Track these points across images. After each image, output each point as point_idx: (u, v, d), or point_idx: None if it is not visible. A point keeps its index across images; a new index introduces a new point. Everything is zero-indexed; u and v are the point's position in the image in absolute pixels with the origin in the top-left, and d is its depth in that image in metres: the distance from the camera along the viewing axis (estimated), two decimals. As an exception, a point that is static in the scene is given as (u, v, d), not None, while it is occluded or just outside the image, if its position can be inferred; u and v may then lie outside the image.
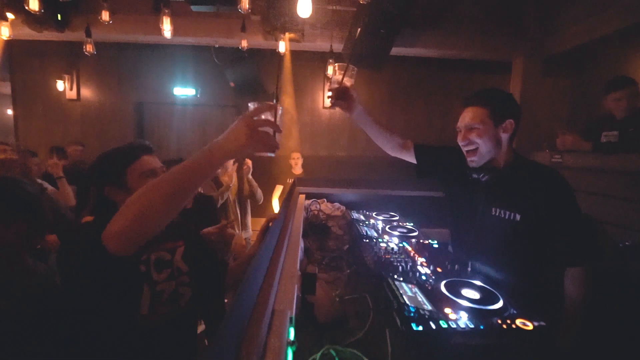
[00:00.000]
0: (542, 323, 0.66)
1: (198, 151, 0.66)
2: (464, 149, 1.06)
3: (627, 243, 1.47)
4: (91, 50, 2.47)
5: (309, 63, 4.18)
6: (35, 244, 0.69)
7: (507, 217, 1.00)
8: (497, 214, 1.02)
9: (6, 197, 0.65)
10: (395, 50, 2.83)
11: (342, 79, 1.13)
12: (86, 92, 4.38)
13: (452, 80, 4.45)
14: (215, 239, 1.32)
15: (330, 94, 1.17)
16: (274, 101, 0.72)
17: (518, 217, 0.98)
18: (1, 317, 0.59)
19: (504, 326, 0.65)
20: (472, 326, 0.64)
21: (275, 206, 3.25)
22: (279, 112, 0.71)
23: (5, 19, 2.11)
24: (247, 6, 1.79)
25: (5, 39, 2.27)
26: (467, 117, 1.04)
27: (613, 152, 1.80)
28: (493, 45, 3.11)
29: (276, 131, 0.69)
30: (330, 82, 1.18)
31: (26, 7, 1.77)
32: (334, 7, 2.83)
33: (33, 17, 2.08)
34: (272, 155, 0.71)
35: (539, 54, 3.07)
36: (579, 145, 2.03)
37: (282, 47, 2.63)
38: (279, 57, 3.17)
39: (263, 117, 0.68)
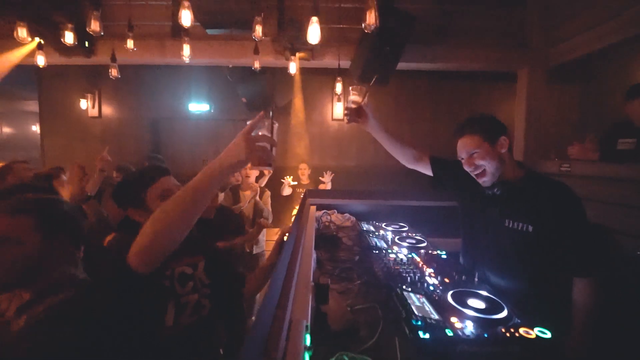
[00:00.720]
0: (547, 334, 0.69)
1: (200, 171, 0.73)
2: (473, 174, 1.11)
3: (638, 253, 1.47)
4: (116, 74, 2.64)
5: (318, 78, 4.33)
6: (78, 254, 0.78)
7: (520, 228, 1.04)
8: (510, 225, 1.06)
9: (47, 215, 0.74)
10: (400, 66, 2.92)
11: (363, 99, 1.26)
12: (107, 110, 4.63)
13: (457, 90, 4.49)
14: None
15: (347, 112, 1.29)
16: (270, 115, 0.78)
17: (531, 228, 1.01)
18: (42, 322, 0.66)
19: (508, 334, 0.69)
20: (476, 334, 0.68)
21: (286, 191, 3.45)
22: (275, 127, 0.78)
23: (41, 48, 2.32)
24: (260, 33, 1.93)
25: (41, 66, 2.47)
26: (464, 145, 1.11)
27: (630, 160, 1.74)
28: (497, 57, 3.15)
29: (272, 145, 0.76)
30: (347, 102, 1.29)
31: (62, 41, 1.96)
32: (342, 26, 2.95)
33: (64, 45, 2.27)
34: (270, 169, 0.78)
35: (544, 64, 3.09)
36: (586, 155, 2.03)
37: (293, 67, 2.75)
38: (268, 76, 3.40)
39: (260, 133, 0.75)
